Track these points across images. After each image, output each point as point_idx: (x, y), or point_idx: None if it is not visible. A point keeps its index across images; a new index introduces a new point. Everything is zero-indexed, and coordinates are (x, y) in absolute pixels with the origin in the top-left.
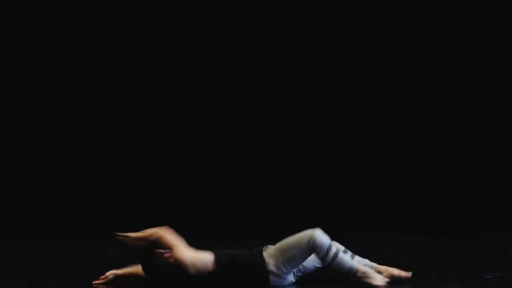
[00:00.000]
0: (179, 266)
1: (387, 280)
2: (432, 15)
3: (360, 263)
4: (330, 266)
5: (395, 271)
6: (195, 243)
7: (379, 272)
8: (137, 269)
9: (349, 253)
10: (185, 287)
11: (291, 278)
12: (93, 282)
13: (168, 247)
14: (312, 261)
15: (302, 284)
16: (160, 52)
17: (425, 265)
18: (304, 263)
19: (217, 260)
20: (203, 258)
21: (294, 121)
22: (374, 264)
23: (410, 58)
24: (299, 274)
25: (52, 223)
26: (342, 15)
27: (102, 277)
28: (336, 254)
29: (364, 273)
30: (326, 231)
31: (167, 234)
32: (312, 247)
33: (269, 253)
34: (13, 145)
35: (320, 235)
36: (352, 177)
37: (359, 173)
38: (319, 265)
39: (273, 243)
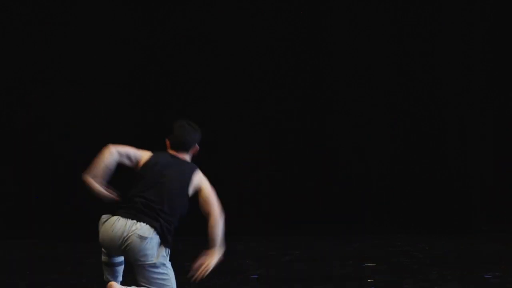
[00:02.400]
0: None
1: None
2: (432, 15)
3: None
4: None
5: None
6: (195, 243)
7: None
8: None
9: None
10: None
11: None
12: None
13: None
14: None
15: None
16: (160, 52)
17: (425, 265)
18: None
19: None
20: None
21: (294, 121)
22: None
23: (410, 58)
24: None
25: (52, 223)
26: (342, 15)
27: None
28: None
29: None
30: (326, 231)
31: None
32: None
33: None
34: (13, 145)
35: None
36: (352, 177)
37: (359, 173)
38: None
39: None
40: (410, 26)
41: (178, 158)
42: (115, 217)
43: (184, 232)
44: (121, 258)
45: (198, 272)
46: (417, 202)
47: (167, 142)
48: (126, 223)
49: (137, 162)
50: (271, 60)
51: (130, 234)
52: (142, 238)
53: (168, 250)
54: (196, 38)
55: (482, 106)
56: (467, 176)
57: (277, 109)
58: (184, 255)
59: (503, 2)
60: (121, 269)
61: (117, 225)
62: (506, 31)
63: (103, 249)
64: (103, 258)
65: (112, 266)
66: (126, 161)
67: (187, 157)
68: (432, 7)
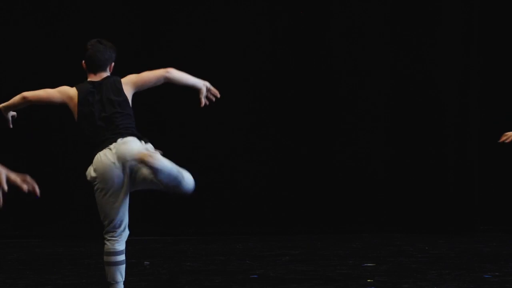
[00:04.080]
0: None
1: None
2: (432, 15)
3: None
4: None
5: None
6: (194, 243)
7: None
8: None
9: None
10: None
11: None
12: None
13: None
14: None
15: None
16: (160, 52)
17: (425, 265)
18: None
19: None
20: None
21: (294, 121)
22: None
23: (409, 58)
24: None
25: (52, 223)
26: (342, 15)
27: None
28: None
29: None
30: (326, 231)
31: None
32: None
33: None
34: (13, 145)
35: None
36: (352, 176)
37: (359, 172)
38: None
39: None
40: (410, 26)
41: (99, 82)
42: (97, 156)
43: (183, 232)
44: (123, 256)
45: (205, 96)
46: (417, 202)
47: (83, 64)
48: (109, 149)
49: (61, 102)
50: (271, 60)
51: (117, 150)
52: (125, 142)
53: (149, 144)
54: (196, 38)
55: (482, 106)
56: (467, 176)
57: (277, 109)
58: (184, 255)
59: (503, 2)
60: (123, 268)
61: (103, 158)
62: (506, 31)
63: (100, 188)
64: (106, 258)
65: (117, 264)
66: (42, 103)
67: (106, 75)
68: (432, 7)
